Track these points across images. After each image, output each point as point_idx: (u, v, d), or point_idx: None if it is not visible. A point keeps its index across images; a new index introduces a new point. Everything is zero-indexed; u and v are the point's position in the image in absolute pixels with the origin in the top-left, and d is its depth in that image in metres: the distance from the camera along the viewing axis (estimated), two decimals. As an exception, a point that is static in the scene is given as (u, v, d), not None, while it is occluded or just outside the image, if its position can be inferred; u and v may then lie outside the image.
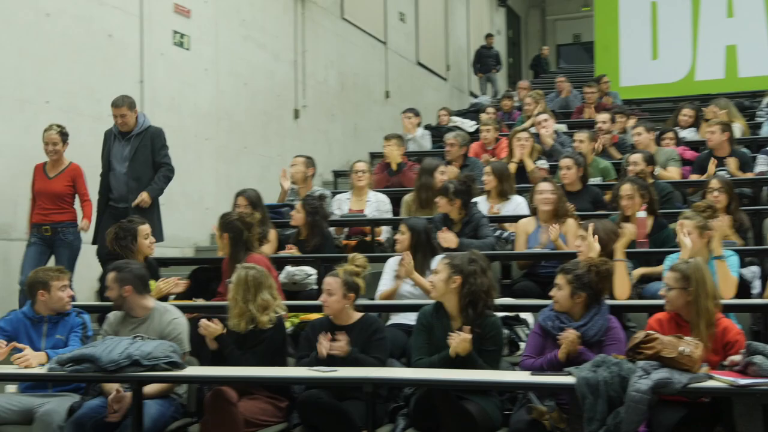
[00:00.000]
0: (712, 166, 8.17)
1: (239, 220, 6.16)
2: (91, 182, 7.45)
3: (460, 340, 4.71)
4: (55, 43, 8.04)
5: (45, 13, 7.96)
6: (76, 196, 7.36)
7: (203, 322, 5.11)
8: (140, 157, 7.46)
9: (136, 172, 7.43)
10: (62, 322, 5.49)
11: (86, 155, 8.27)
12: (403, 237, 6.13)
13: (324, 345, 4.88)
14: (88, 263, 7.39)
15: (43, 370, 4.92)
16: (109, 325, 5.47)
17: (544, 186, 6.83)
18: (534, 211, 6.93)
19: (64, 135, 7.20)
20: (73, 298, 5.61)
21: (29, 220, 7.23)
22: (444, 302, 5.00)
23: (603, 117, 10.46)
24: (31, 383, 5.37)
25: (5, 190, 7.47)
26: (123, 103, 7.44)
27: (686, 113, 10.71)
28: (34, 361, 5.04)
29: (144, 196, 7.28)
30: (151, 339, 5.08)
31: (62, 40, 8.12)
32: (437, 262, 5.19)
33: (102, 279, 6.51)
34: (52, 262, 6.95)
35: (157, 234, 7.10)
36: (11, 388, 5.55)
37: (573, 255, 5.62)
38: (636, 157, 7.71)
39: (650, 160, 7.74)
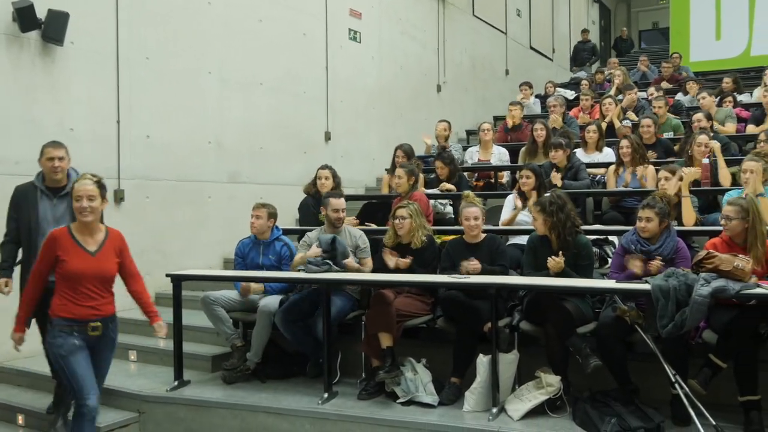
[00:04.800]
0: None
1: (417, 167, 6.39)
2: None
3: (554, 264, 4.66)
4: (266, 41, 8.20)
5: (258, 19, 8.11)
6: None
7: (399, 260, 5.10)
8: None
9: None
10: (272, 246, 5.58)
11: (288, 125, 8.49)
12: (529, 180, 5.98)
13: (465, 266, 4.87)
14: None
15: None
16: (308, 238, 5.54)
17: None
18: (621, 160, 6.64)
19: (102, 188, 3.97)
20: (277, 228, 5.68)
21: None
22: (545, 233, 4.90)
23: (650, 90, 10.11)
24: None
25: (233, 148, 7.74)
26: (62, 145, 4.64)
27: (726, 81, 10.15)
28: (254, 290, 5.39)
29: None
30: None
31: (271, 39, 8.26)
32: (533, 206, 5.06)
33: (301, 209, 6.68)
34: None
35: None
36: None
37: (648, 192, 5.39)
38: (699, 115, 7.47)
39: (709, 117, 7.52)
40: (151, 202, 6.83)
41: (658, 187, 5.51)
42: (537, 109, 11.32)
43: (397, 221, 5.23)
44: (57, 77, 6.09)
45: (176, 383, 5.14)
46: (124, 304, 6.68)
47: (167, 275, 5.30)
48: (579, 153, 7.43)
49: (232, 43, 7.76)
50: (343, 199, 5.52)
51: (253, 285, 5.37)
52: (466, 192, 5.53)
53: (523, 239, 5.54)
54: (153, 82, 6.88)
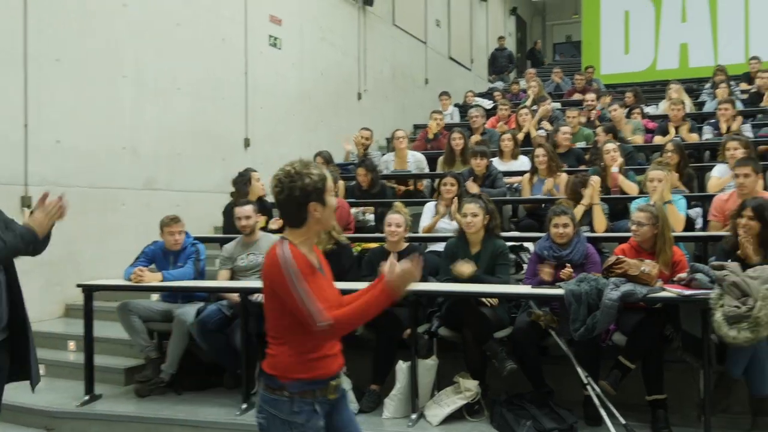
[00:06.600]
0: (672, 130, 8.28)
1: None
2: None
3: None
4: (184, 45, 8.01)
5: (176, 23, 7.92)
6: None
7: None
8: None
9: None
10: (183, 253, 5.45)
11: (206, 130, 8.31)
12: (453, 187, 6.07)
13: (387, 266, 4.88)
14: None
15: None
16: (226, 251, 5.49)
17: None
18: (535, 169, 6.84)
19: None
20: (188, 235, 5.53)
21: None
22: (471, 234, 4.94)
23: (590, 96, 10.35)
24: (169, 293, 5.47)
25: (149, 154, 7.51)
26: None
27: (628, 95, 10.53)
28: (148, 278, 5.12)
29: None
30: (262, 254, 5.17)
31: (189, 43, 8.07)
32: (467, 205, 5.09)
33: (225, 214, 6.53)
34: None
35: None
36: (154, 296, 5.64)
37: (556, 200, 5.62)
38: (598, 129, 7.82)
39: (609, 130, 7.77)
40: (62, 209, 6.54)
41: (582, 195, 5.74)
42: (456, 117, 11.52)
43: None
44: (-42, 78, 5.78)
45: (87, 398, 4.93)
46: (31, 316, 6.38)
47: (78, 285, 5.10)
48: (496, 161, 7.59)
49: (149, 46, 7.55)
50: (248, 207, 5.41)
51: (147, 273, 5.17)
52: (397, 203, 5.54)
53: (442, 246, 5.61)
54: (64, 84, 6.60)
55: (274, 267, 2.42)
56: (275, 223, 6.34)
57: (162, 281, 5.18)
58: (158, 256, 5.47)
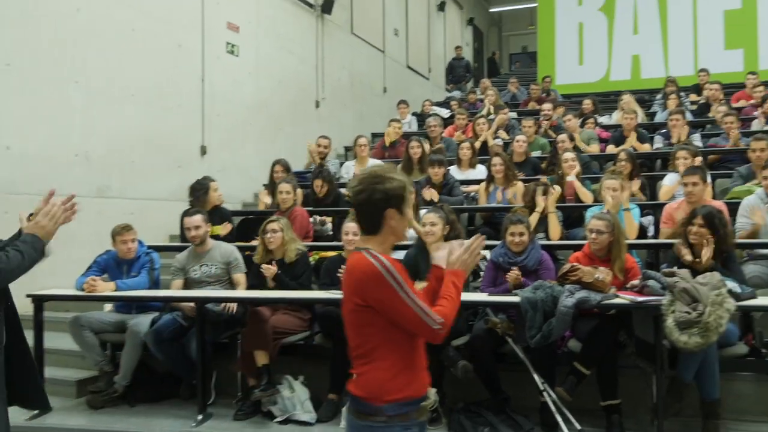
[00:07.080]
0: (631, 140, 8.41)
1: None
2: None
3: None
4: (139, 51, 7.88)
5: (131, 28, 7.79)
6: None
7: (264, 266, 5.03)
8: None
9: None
10: (137, 263, 5.36)
11: (161, 137, 8.19)
12: (411, 195, 6.09)
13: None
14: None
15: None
16: (178, 262, 5.41)
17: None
18: (491, 178, 6.91)
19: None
20: (141, 243, 5.44)
21: None
22: (430, 244, 4.95)
23: (547, 106, 10.45)
24: (122, 304, 5.36)
25: (103, 160, 7.36)
26: None
27: (587, 103, 10.72)
28: (101, 288, 5.04)
29: None
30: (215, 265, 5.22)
31: (144, 49, 7.95)
32: (426, 214, 5.11)
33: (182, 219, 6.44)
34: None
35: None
36: (108, 307, 5.52)
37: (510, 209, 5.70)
38: (563, 136, 7.89)
39: (572, 138, 7.99)
40: (11, 217, 6.27)
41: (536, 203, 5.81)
42: (414, 126, 11.58)
43: (268, 235, 5.17)
44: None
45: (37, 411, 4.77)
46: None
47: (28, 296, 4.97)
48: (453, 170, 7.65)
49: (102, 52, 7.40)
50: (197, 216, 5.34)
51: (100, 283, 5.09)
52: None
53: (399, 254, 5.61)
54: (14, 90, 6.44)
55: (374, 278, 2.28)
56: (224, 228, 6.27)
57: (115, 291, 5.08)
58: (111, 266, 5.36)
